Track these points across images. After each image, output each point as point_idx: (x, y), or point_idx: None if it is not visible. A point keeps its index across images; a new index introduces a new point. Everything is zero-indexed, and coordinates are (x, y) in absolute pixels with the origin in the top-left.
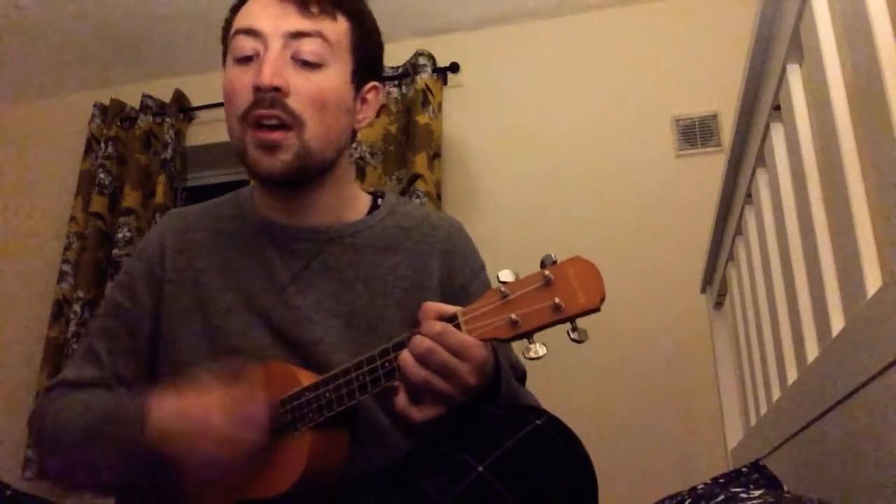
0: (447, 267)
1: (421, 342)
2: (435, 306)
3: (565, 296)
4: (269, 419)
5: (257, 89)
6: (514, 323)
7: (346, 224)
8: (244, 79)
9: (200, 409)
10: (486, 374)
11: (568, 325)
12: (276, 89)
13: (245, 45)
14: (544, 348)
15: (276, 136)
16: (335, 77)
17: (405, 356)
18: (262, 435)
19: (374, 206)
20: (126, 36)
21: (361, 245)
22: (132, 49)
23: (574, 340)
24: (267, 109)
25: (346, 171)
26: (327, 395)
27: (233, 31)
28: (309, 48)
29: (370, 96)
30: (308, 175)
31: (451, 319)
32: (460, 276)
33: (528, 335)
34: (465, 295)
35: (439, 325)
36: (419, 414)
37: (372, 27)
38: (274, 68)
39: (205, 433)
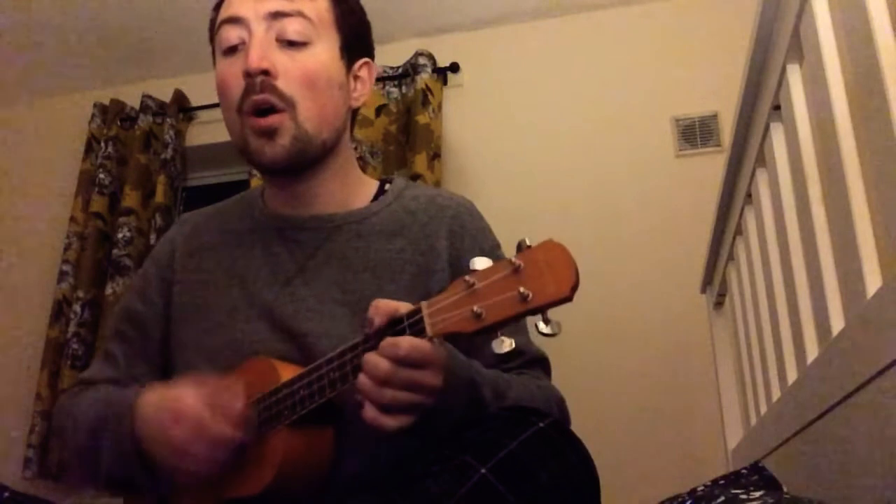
0: (455, 248)
1: (376, 366)
2: (385, 306)
3: (533, 285)
4: (243, 412)
5: (247, 75)
6: (476, 315)
7: (351, 211)
8: (234, 68)
9: (173, 399)
10: (449, 366)
11: (538, 317)
12: (265, 72)
13: (230, 35)
14: (512, 342)
15: (272, 119)
16: (322, 54)
17: (363, 380)
18: (233, 426)
19: (382, 192)
20: (126, 36)
21: (367, 231)
22: (132, 49)
23: (544, 334)
24: (259, 94)
25: (349, 158)
26: (301, 391)
27: (217, 25)
28: (293, 27)
29: (363, 73)
30: (310, 158)
31: (415, 313)
32: (468, 257)
33: (493, 328)
34: None
35: (403, 347)
36: (392, 422)
37: (353, 3)
38: (260, 52)
39: (175, 421)
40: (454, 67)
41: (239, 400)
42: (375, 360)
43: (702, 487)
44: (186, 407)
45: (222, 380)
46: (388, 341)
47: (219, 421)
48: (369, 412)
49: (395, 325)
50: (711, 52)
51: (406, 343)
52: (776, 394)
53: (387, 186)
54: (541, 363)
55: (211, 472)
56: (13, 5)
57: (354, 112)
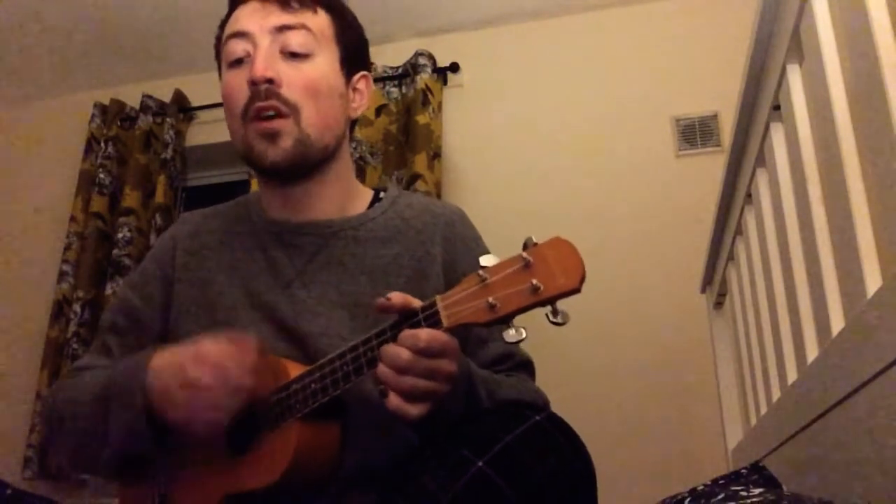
0: (449, 254)
1: (398, 356)
2: (401, 299)
3: (544, 277)
4: (257, 361)
5: (252, 83)
6: (491, 306)
7: (348, 217)
8: (239, 79)
9: (191, 346)
10: (460, 356)
11: (548, 308)
12: (270, 81)
13: (236, 48)
14: (523, 332)
15: (275, 123)
16: (324, 65)
17: (383, 370)
18: (249, 374)
19: (377, 200)
20: (126, 36)
21: (363, 237)
22: (132, 49)
23: (554, 323)
24: (264, 101)
25: (347, 165)
26: (312, 385)
27: (223, 39)
28: (296, 40)
29: (361, 85)
30: (310, 162)
31: (430, 306)
32: (463, 263)
33: (507, 319)
34: None
35: (423, 338)
36: (415, 410)
37: (352, 20)
38: (265, 62)
39: (195, 363)
40: (454, 67)
41: (252, 353)
42: (396, 351)
43: (702, 486)
44: (206, 350)
45: (233, 337)
46: (408, 333)
47: (236, 367)
48: (394, 400)
49: (410, 318)
50: (711, 52)
51: (425, 334)
52: (776, 394)
53: (381, 194)
54: (526, 367)
55: (221, 423)
56: (13, 5)
57: (353, 122)
